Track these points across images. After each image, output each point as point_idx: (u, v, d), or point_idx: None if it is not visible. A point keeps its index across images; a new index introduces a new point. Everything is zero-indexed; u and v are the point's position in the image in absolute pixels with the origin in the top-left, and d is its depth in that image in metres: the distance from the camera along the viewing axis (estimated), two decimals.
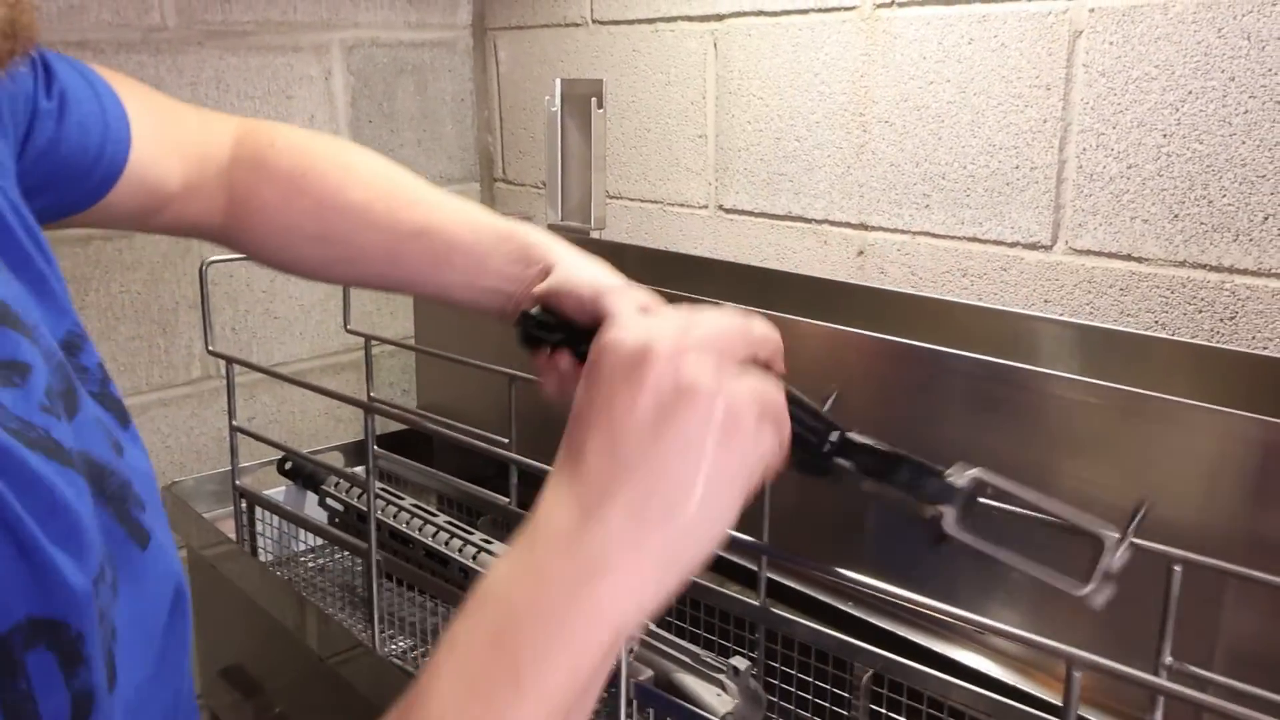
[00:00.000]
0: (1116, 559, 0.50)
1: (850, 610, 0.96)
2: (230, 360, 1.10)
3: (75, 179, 0.64)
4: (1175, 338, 0.97)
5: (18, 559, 0.36)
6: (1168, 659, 0.64)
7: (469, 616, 0.40)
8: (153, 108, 0.71)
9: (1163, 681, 0.57)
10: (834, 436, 0.55)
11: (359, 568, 1.12)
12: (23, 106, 0.59)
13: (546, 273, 0.69)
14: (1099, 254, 1.04)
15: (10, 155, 0.56)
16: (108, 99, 0.66)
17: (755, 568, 0.88)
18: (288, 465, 1.19)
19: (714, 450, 0.41)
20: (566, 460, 0.43)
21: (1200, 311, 0.98)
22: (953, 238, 1.16)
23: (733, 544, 0.85)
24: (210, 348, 1.11)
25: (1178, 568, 0.63)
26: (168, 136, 0.72)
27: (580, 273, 0.68)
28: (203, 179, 0.74)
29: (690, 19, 1.38)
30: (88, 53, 1.33)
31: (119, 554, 0.43)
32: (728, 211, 1.39)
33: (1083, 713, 0.81)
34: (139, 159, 0.68)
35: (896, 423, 0.93)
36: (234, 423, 1.11)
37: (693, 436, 0.41)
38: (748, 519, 0.82)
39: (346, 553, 1.09)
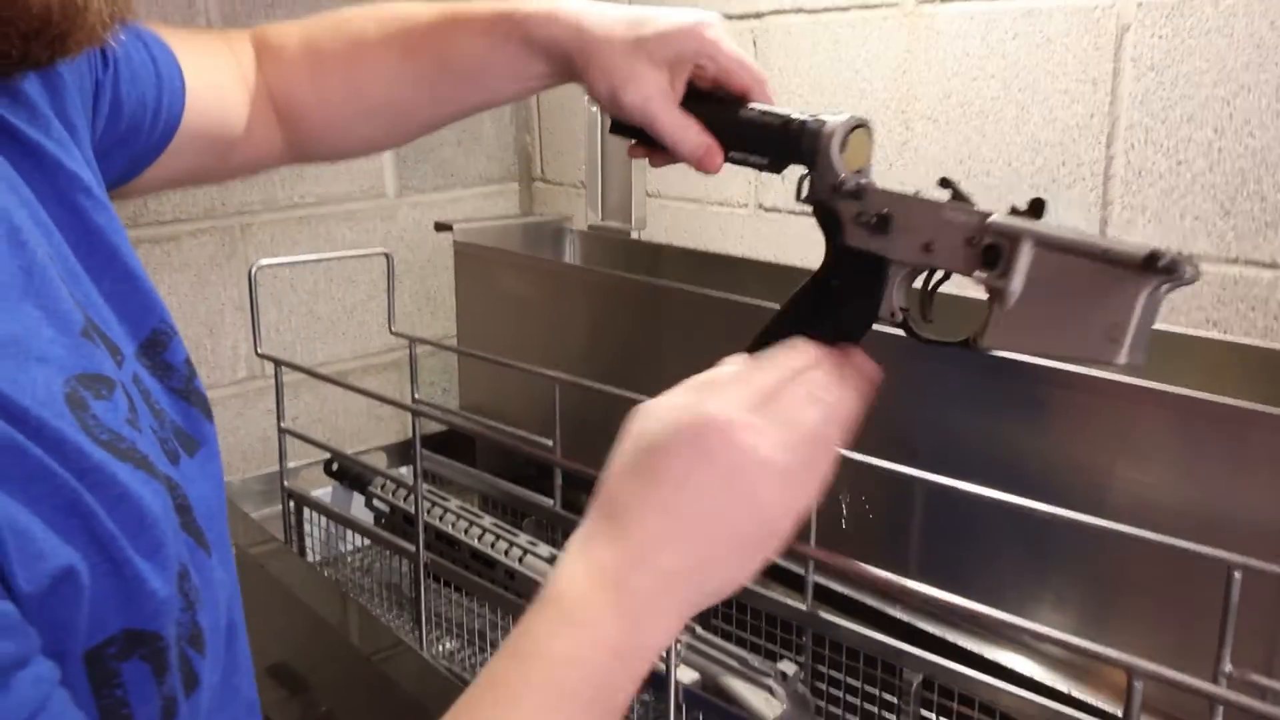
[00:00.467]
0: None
1: (898, 614, 0.95)
2: (279, 363, 1.11)
3: (138, 133, 0.65)
4: (1227, 337, 0.96)
5: (112, 575, 0.38)
6: (1227, 666, 0.63)
7: (513, 672, 0.43)
8: (198, 50, 0.72)
9: (1223, 691, 0.56)
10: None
11: (405, 568, 1.13)
12: (88, 84, 0.60)
13: (562, 53, 0.70)
14: None
15: (89, 145, 0.56)
16: (156, 48, 0.67)
17: (802, 571, 0.88)
18: (334, 466, 1.20)
19: (778, 517, 0.47)
20: (607, 521, 0.46)
21: (1253, 309, 0.96)
22: None
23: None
24: (259, 350, 1.13)
25: (1237, 573, 0.62)
26: (218, 77, 0.73)
27: (604, 51, 0.68)
28: (254, 106, 0.75)
29: (729, 16, 1.37)
30: None
31: (191, 561, 0.44)
32: (768, 210, 1.38)
33: None
34: (196, 104, 0.68)
35: (942, 426, 0.93)
36: (282, 425, 1.12)
37: (753, 510, 0.46)
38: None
39: (392, 553, 1.10)
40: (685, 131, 0.67)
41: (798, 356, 0.52)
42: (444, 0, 0.76)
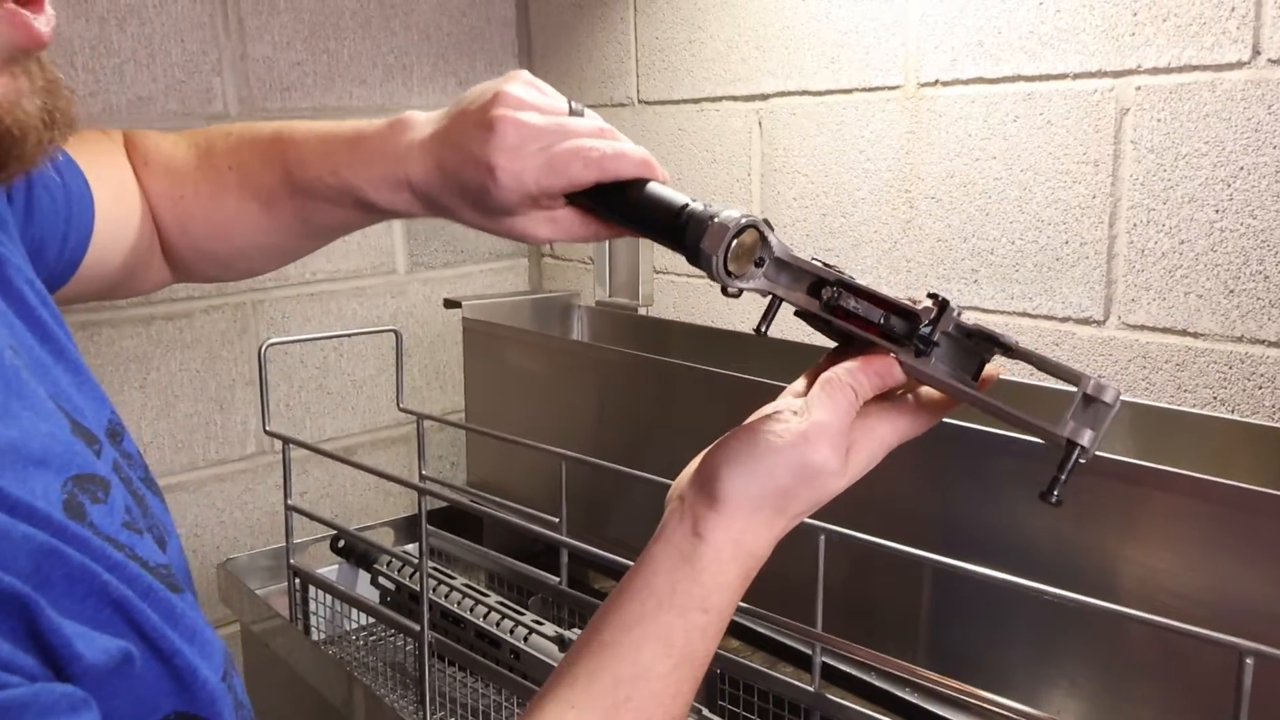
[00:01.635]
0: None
1: (907, 697, 0.94)
2: (287, 440, 1.12)
3: (61, 241, 0.63)
4: (1234, 417, 0.96)
5: (160, 662, 0.39)
6: None
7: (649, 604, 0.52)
8: (93, 159, 0.69)
9: None
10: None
11: (409, 646, 1.12)
12: (15, 198, 0.59)
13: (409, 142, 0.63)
14: (1153, 329, 1.03)
15: (25, 257, 0.55)
16: (62, 163, 0.65)
17: (809, 652, 0.87)
18: (340, 543, 1.20)
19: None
20: (720, 503, 0.54)
21: (1260, 388, 0.96)
22: (1002, 312, 1.15)
23: (787, 630, 0.84)
24: (267, 428, 1.13)
25: (1249, 660, 0.61)
26: (118, 185, 0.70)
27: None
28: (147, 222, 0.72)
29: (735, 99, 1.40)
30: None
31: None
32: None
33: None
34: (104, 214, 0.66)
35: (951, 508, 0.92)
36: (289, 502, 1.12)
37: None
38: (801, 603, 0.81)
39: (397, 632, 1.09)
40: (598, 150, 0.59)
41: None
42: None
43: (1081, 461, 0.55)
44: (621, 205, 0.60)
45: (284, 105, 1.49)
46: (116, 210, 0.69)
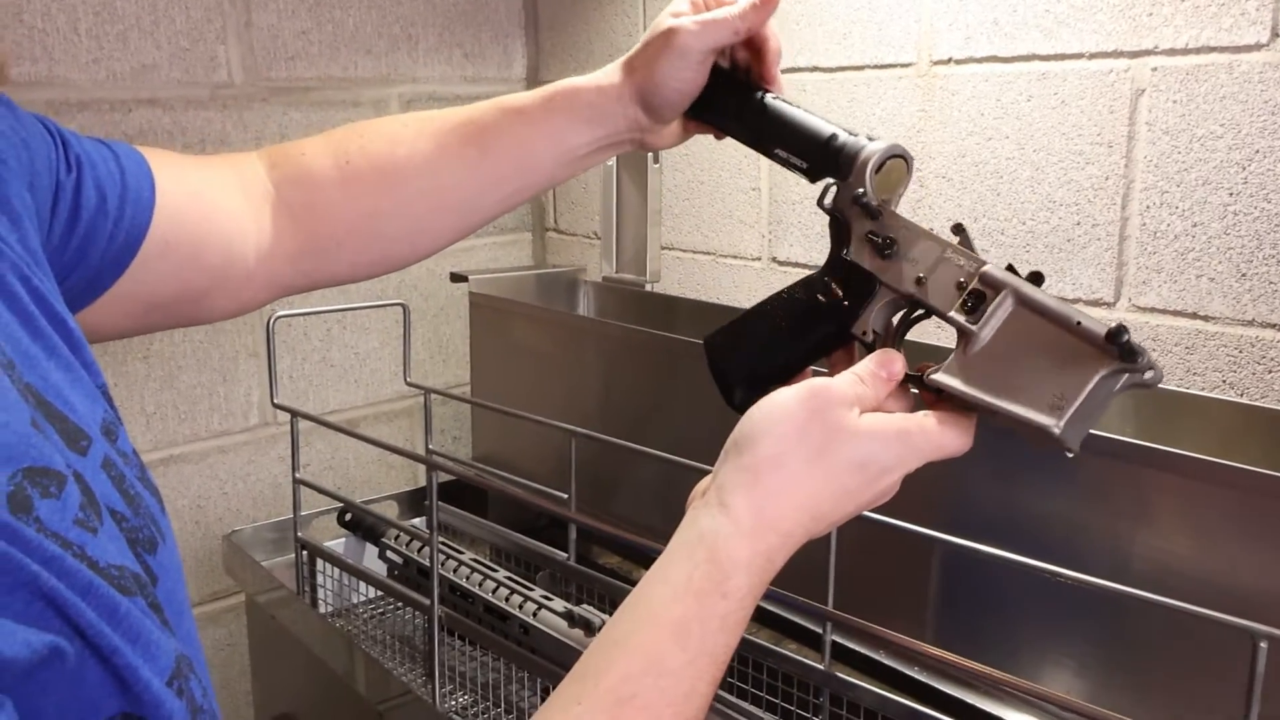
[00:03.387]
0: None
1: (917, 675, 0.94)
2: (295, 414, 1.12)
3: (97, 239, 0.61)
4: (1244, 400, 0.96)
5: (100, 664, 0.37)
6: None
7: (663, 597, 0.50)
8: (185, 163, 0.69)
9: None
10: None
11: (417, 620, 1.12)
12: (48, 184, 0.58)
13: (616, 123, 0.72)
14: (1164, 311, 1.03)
15: (37, 240, 0.54)
16: (127, 159, 0.64)
17: (820, 630, 0.88)
18: (347, 517, 1.20)
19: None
20: (758, 493, 0.52)
21: (1270, 372, 0.96)
22: None
23: (797, 608, 0.85)
24: (275, 400, 1.13)
25: (1263, 644, 0.61)
26: (203, 186, 0.69)
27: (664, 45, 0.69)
28: (257, 219, 0.71)
29: None
30: (158, 110, 1.37)
31: (183, 641, 0.44)
32: (781, 264, 1.39)
33: None
34: (170, 213, 0.65)
35: (963, 489, 0.92)
36: (297, 475, 1.12)
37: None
38: (811, 581, 0.82)
39: (405, 606, 1.10)
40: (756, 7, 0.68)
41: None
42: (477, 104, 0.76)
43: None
44: (761, 124, 0.68)
45: (289, 74, 1.48)
46: (194, 205, 0.67)
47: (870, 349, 0.61)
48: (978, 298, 0.55)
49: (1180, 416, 0.93)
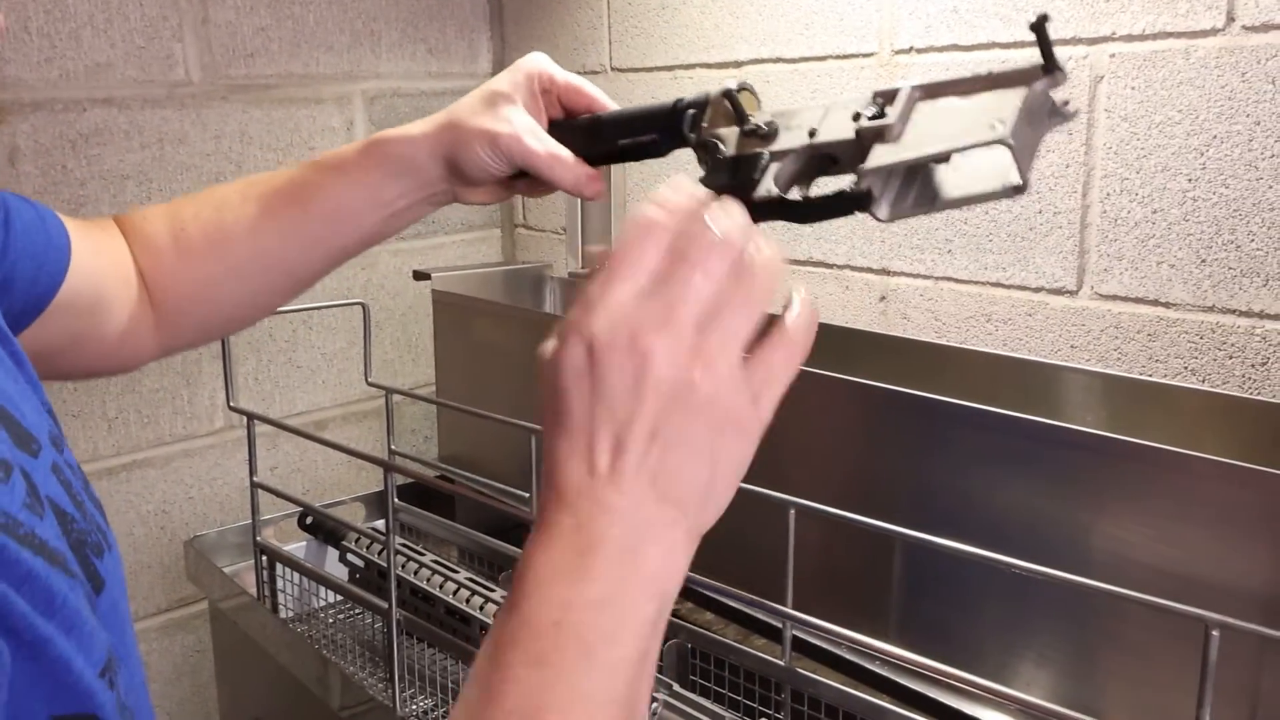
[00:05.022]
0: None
1: (879, 671, 0.94)
2: (252, 416, 1.10)
3: (29, 283, 0.65)
4: (1205, 388, 0.95)
5: (31, 660, 0.36)
6: None
7: (519, 612, 0.40)
8: (83, 225, 0.73)
9: None
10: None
11: (379, 624, 1.11)
12: None
13: (420, 163, 0.73)
14: (1125, 299, 1.03)
15: None
16: (45, 212, 0.69)
17: (780, 625, 0.87)
18: (308, 520, 1.18)
19: (715, 443, 0.42)
20: (574, 458, 0.42)
21: (1230, 358, 0.96)
22: (976, 283, 1.14)
23: (758, 607, 0.84)
24: (231, 403, 1.11)
25: (1215, 632, 0.61)
26: (102, 247, 0.74)
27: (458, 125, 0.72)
28: (132, 287, 0.76)
29: (709, 66, 1.38)
30: (114, 109, 1.35)
31: (117, 644, 0.43)
32: None
33: None
34: (79, 267, 0.69)
35: (922, 482, 0.92)
36: (254, 479, 1.11)
37: (689, 436, 0.41)
38: (772, 577, 0.81)
39: (366, 609, 1.09)
40: (561, 166, 0.70)
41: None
42: (299, 164, 0.78)
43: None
44: (599, 131, 0.69)
45: (248, 72, 1.46)
46: (95, 262, 0.72)
47: (784, 204, 0.52)
48: (877, 115, 0.49)
49: (1143, 405, 0.93)
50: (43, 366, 0.70)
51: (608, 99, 0.73)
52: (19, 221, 0.66)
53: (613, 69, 1.52)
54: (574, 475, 0.41)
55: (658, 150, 0.67)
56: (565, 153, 0.70)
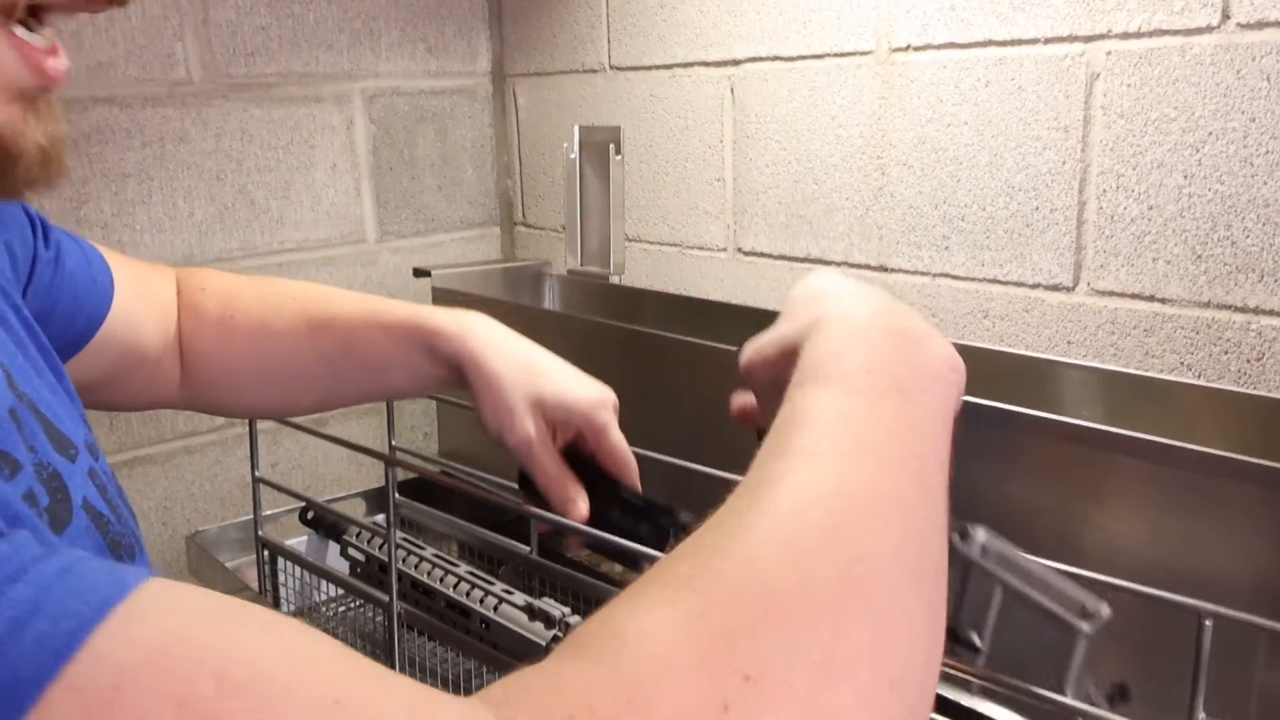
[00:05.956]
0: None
1: None
2: None
3: (67, 322, 0.68)
4: (1201, 382, 0.96)
5: None
6: (1200, 716, 0.63)
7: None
8: (130, 269, 0.76)
9: None
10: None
11: (379, 617, 1.11)
12: (22, 252, 0.64)
13: (459, 368, 0.77)
14: (1122, 295, 1.03)
15: (17, 290, 0.60)
16: (93, 255, 0.72)
17: None
18: (309, 515, 1.19)
19: None
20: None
21: (1226, 353, 0.97)
22: (973, 279, 1.15)
23: None
24: None
25: (1208, 622, 0.61)
26: (144, 296, 0.77)
27: (502, 390, 0.76)
28: (165, 338, 0.79)
29: (707, 64, 1.39)
30: (115, 108, 1.36)
31: None
32: (746, 254, 1.39)
33: None
34: (119, 313, 0.72)
35: None
36: (256, 473, 1.11)
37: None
38: None
39: (367, 603, 1.09)
40: (557, 483, 0.76)
41: None
42: (365, 297, 0.82)
43: None
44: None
45: (248, 71, 1.47)
46: (135, 309, 0.75)
47: None
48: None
49: (1140, 399, 0.93)
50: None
51: (633, 475, 0.80)
52: (69, 260, 0.68)
53: (611, 67, 1.52)
54: None
55: (638, 537, 0.74)
56: (563, 479, 0.77)
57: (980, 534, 0.57)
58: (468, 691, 1.02)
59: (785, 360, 0.48)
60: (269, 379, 0.81)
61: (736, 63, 1.35)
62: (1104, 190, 1.03)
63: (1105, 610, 0.55)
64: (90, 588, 0.28)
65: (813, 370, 0.45)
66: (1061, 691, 0.52)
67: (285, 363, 0.80)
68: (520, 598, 0.92)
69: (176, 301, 0.81)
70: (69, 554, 0.29)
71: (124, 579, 0.29)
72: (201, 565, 1.24)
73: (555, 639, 0.87)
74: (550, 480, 0.75)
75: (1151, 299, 1.01)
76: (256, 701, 0.27)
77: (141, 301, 0.76)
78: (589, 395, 0.76)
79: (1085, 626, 0.55)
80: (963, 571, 0.57)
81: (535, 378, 0.75)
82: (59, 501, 0.44)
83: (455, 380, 0.78)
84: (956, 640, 0.56)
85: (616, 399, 0.78)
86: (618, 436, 0.76)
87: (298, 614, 1.17)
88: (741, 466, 0.83)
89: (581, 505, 0.76)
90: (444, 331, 0.76)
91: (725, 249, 1.41)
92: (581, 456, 0.77)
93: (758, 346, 0.53)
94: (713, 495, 1.07)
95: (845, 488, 0.38)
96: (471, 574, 0.97)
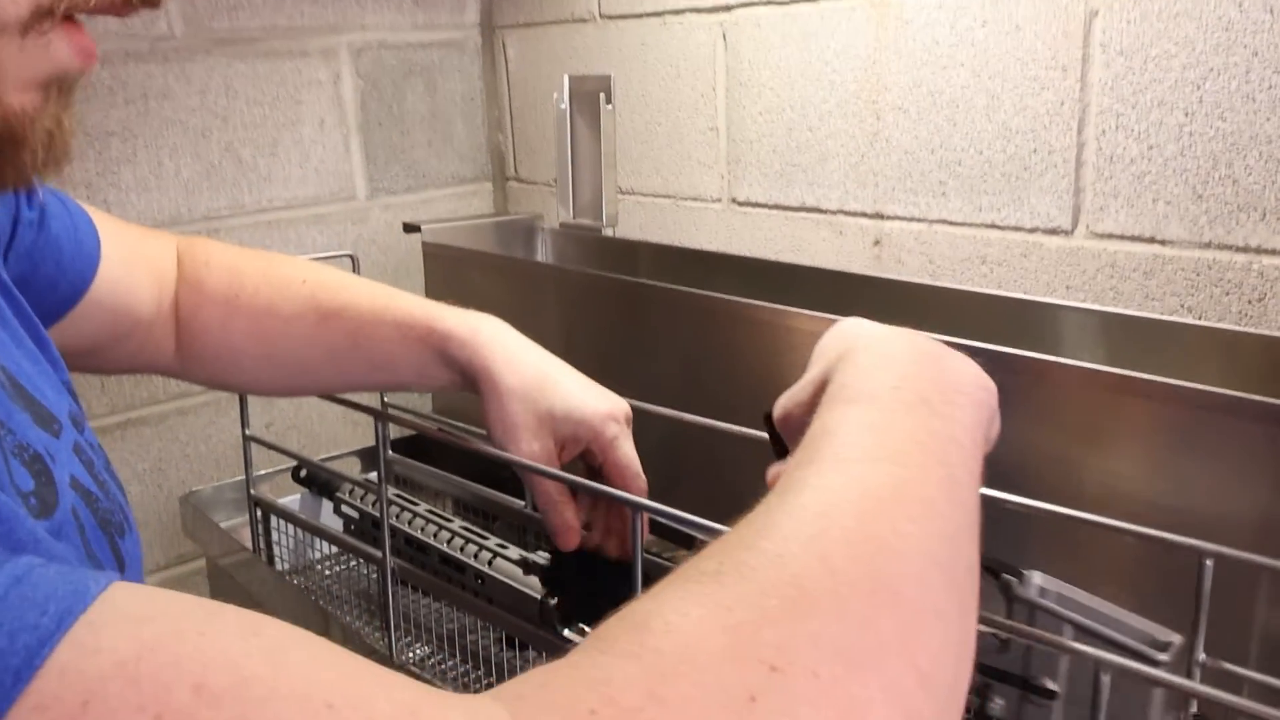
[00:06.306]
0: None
1: None
2: None
3: (48, 287, 0.66)
4: (1202, 322, 0.94)
5: None
6: (1201, 656, 0.62)
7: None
8: (121, 232, 0.74)
9: (1196, 684, 0.55)
10: None
11: (374, 574, 1.11)
12: (4, 213, 0.62)
13: (470, 377, 0.76)
14: (1121, 237, 1.02)
15: None
16: (80, 217, 0.69)
17: None
18: (302, 473, 1.18)
19: None
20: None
21: (1227, 294, 0.95)
22: (971, 225, 1.13)
23: None
24: None
25: (1209, 561, 0.60)
26: (136, 259, 0.75)
27: (512, 406, 0.75)
28: (160, 308, 0.77)
29: (699, 10, 1.36)
30: (96, 64, 1.33)
31: None
32: (741, 204, 1.37)
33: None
34: (106, 276, 0.70)
35: None
36: (247, 431, 1.10)
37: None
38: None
39: (361, 560, 1.09)
40: (556, 507, 0.76)
41: None
42: (376, 287, 0.81)
43: None
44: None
45: (232, 25, 1.44)
46: (124, 277, 0.73)
47: None
48: None
49: (1140, 341, 0.92)
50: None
51: (641, 490, 0.77)
52: (55, 223, 0.66)
53: (601, 16, 1.49)
54: None
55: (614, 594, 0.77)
56: (563, 506, 0.77)
57: (1036, 577, 0.56)
58: (464, 648, 1.02)
59: (819, 399, 0.48)
60: (271, 362, 0.80)
61: (729, 8, 1.32)
62: (1103, 131, 1.01)
63: (1177, 639, 0.54)
64: (48, 597, 0.26)
65: (840, 390, 0.46)
66: None
67: (290, 349, 0.78)
68: (515, 552, 0.91)
69: (176, 271, 0.79)
70: (21, 562, 0.27)
71: (85, 585, 0.27)
72: (196, 526, 1.23)
73: (549, 593, 0.86)
74: (549, 505, 0.76)
75: (1151, 240, 0.99)
76: (240, 709, 0.25)
77: (133, 267, 0.74)
78: (598, 410, 0.75)
79: (1163, 657, 0.54)
80: (1028, 617, 0.57)
81: (546, 392, 0.75)
82: (44, 485, 0.42)
83: (464, 385, 0.77)
84: (1032, 689, 0.56)
85: (629, 409, 0.77)
86: (625, 451, 0.75)
87: (293, 573, 1.16)
88: (735, 417, 0.81)
89: (571, 537, 0.77)
90: (457, 337, 0.75)
91: (720, 199, 1.39)
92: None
93: (790, 394, 0.54)
94: (708, 446, 1.06)
95: (872, 490, 0.38)
96: (465, 529, 0.96)
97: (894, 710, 0.30)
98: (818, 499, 0.37)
